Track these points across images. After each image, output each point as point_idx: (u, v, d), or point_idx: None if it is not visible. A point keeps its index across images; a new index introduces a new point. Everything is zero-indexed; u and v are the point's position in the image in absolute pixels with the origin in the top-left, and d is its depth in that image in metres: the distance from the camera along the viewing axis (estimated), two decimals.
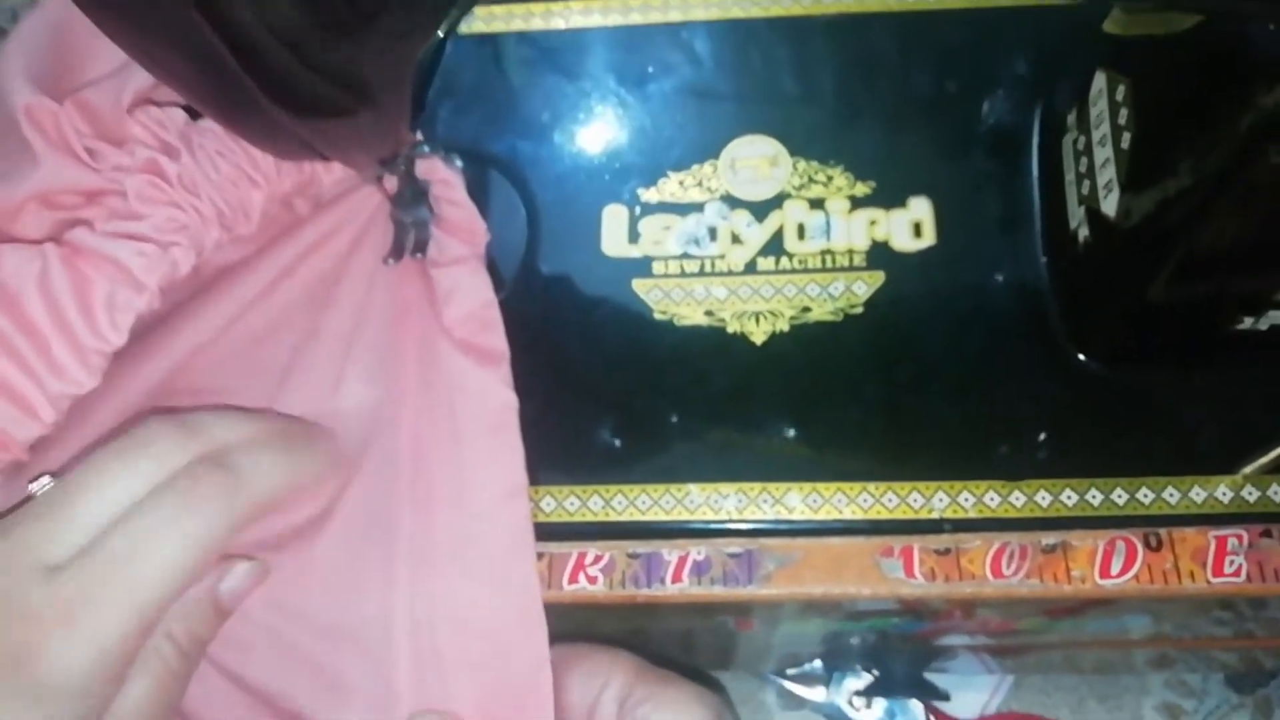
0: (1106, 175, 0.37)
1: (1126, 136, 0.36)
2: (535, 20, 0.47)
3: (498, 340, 0.38)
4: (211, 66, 0.25)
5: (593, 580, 0.38)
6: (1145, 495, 0.37)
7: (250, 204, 0.36)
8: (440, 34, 0.28)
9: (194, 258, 0.35)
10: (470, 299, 0.38)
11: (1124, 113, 0.36)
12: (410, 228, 0.41)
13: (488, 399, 0.37)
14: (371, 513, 0.36)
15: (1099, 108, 0.38)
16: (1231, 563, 0.36)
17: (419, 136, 0.40)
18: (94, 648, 0.28)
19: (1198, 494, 0.37)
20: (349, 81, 0.27)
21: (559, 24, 0.47)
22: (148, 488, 0.30)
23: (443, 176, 0.40)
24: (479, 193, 0.42)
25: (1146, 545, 0.37)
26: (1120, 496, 0.37)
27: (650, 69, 0.46)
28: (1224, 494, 0.37)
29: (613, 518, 0.38)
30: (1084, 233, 0.39)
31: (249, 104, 0.26)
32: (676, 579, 0.38)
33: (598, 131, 0.45)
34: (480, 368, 0.38)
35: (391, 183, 0.40)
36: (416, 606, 0.35)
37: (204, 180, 0.34)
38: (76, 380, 0.33)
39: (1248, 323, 0.36)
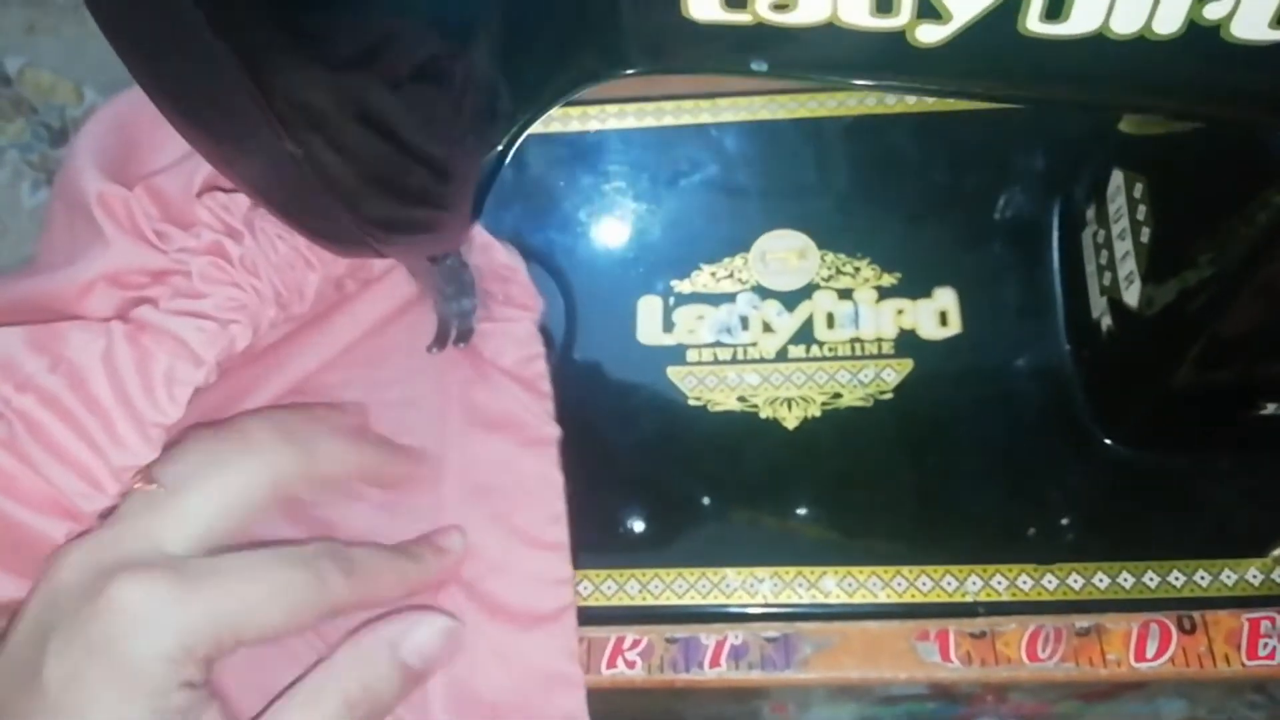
0: (1127, 267, 0.39)
1: (1146, 231, 0.38)
2: (573, 123, 0.49)
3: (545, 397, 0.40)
4: (296, 186, 0.26)
5: (631, 665, 0.38)
6: (1177, 578, 0.38)
7: (306, 284, 0.38)
8: (500, 147, 0.29)
9: (250, 335, 0.36)
10: (521, 348, 0.41)
11: (1142, 209, 0.38)
12: (454, 318, 0.42)
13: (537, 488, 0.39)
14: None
15: (1117, 203, 0.40)
16: (1265, 645, 0.37)
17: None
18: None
19: (1229, 576, 0.38)
20: (424, 200, 0.29)
21: (595, 125, 0.49)
22: (255, 489, 0.33)
23: (504, 262, 0.42)
24: None
25: (1180, 628, 0.37)
26: (1152, 579, 0.38)
27: (682, 167, 0.48)
28: (1255, 576, 0.38)
29: (649, 601, 0.39)
30: (1107, 321, 0.40)
31: (327, 216, 0.28)
32: (715, 663, 0.38)
33: (632, 226, 0.47)
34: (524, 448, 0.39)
35: (437, 276, 0.41)
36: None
37: (264, 262, 0.36)
38: (137, 453, 0.34)
39: (1271, 408, 0.37)
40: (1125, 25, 0.23)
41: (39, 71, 0.91)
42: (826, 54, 0.25)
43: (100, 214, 0.35)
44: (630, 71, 0.26)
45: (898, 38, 0.24)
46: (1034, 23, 0.23)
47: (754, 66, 0.25)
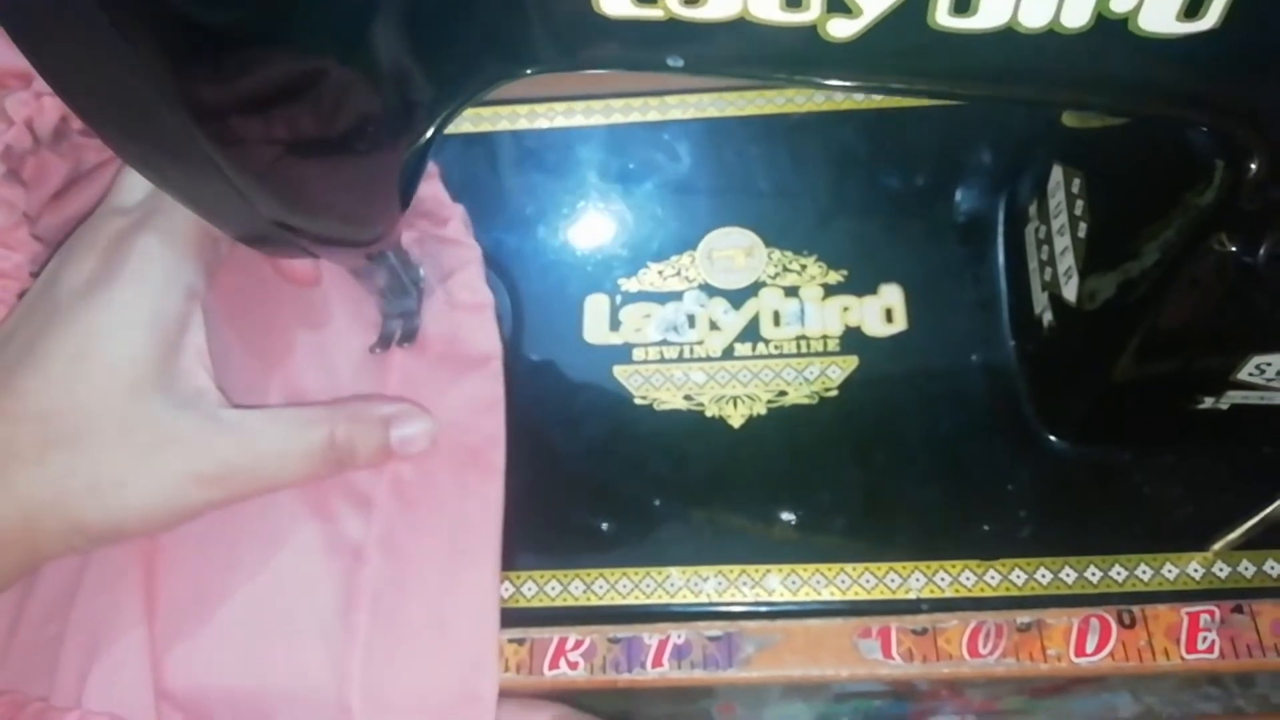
0: (1066, 262, 0.39)
1: (1083, 226, 0.38)
2: (521, 120, 0.49)
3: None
4: (218, 188, 0.26)
5: (574, 665, 0.38)
6: (1118, 573, 0.38)
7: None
8: (428, 135, 0.29)
9: None
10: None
11: (1080, 203, 0.38)
12: (398, 319, 0.42)
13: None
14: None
15: (1057, 199, 0.40)
16: (1204, 639, 0.37)
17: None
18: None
19: (1170, 571, 0.38)
20: (346, 193, 0.29)
21: (543, 124, 0.49)
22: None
23: (474, 302, 0.42)
24: None
25: (1120, 623, 0.38)
26: (1094, 574, 0.38)
27: (631, 166, 0.48)
28: (1195, 570, 0.38)
29: (594, 602, 0.39)
30: (1048, 317, 0.40)
31: (242, 204, 0.28)
32: (657, 663, 0.38)
33: (580, 225, 0.47)
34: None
35: (378, 276, 0.41)
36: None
37: None
38: None
39: (1209, 402, 0.38)
40: (1034, 18, 0.23)
41: None
42: (739, 49, 0.25)
43: None
44: (542, 69, 0.26)
45: (809, 32, 0.24)
46: (944, 16, 0.23)
47: (669, 63, 0.25)
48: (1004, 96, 0.26)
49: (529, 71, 0.26)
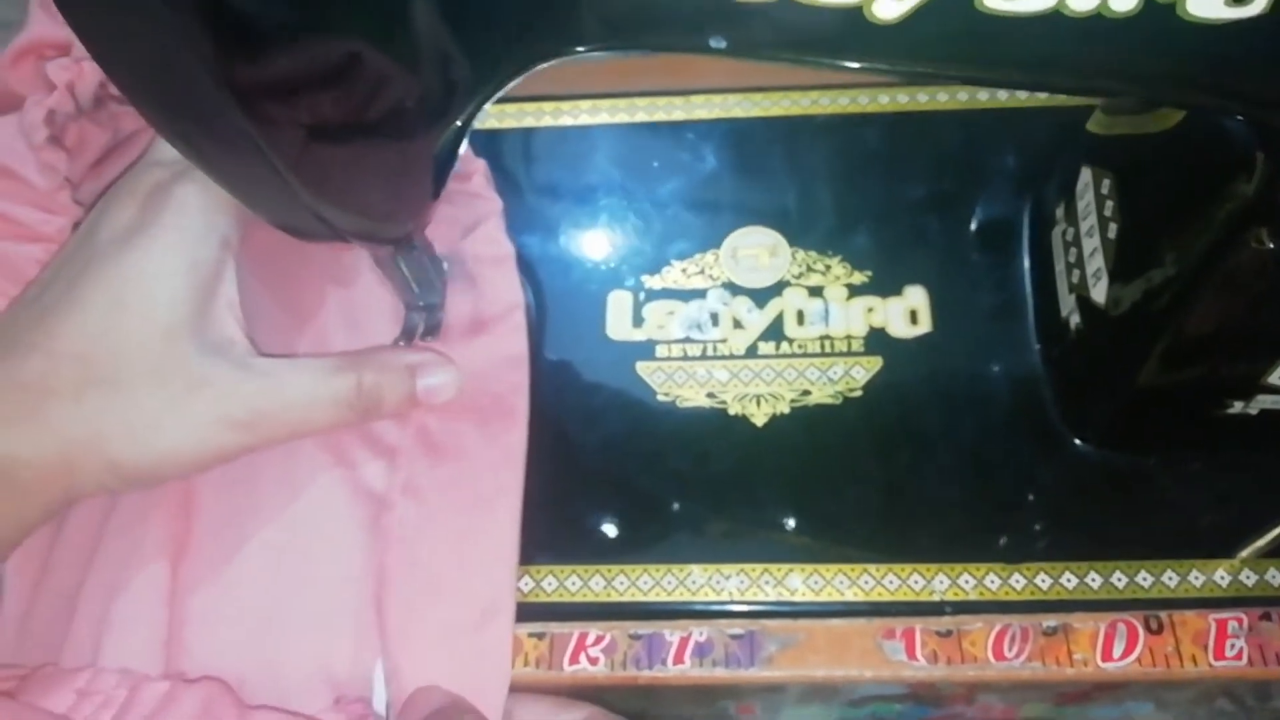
0: (1095, 264, 0.38)
1: (1113, 228, 0.37)
2: (545, 117, 0.49)
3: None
4: (256, 168, 0.26)
5: (594, 661, 0.38)
6: (1144, 579, 0.38)
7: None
8: (459, 124, 0.29)
9: None
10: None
11: (1110, 205, 0.38)
12: (422, 312, 0.42)
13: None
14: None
15: (1086, 200, 0.39)
16: (1232, 646, 0.37)
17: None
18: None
19: (1196, 578, 0.38)
20: (377, 167, 0.29)
21: (568, 121, 0.49)
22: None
23: (496, 254, 0.42)
24: None
25: (1147, 628, 0.37)
26: (1120, 580, 0.38)
27: (655, 164, 0.48)
28: (1222, 578, 0.38)
29: (614, 598, 0.38)
30: (1075, 320, 0.40)
31: (278, 186, 0.28)
32: (679, 660, 0.38)
33: (603, 222, 0.47)
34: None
35: (403, 268, 0.41)
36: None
37: None
38: None
39: (1238, 407, 0.37)
40: (1081, 2, 0.23)
41: None
42: (784, 31, 0.24)
43: None
44: (587, 48, 0.26)
45: (855, 14, 0.24)
46: None
47: (712, 44, 0.25)
48: (1047, 84, 0.26)
49: (574, 50, 0.26)
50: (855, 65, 0.25)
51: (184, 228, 0.33)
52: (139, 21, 0.23)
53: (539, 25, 0.25)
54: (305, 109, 0.26)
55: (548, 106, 0.49)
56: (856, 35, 0.24)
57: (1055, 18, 0.23)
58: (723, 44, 0.25)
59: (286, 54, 0.24)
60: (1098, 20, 0.23)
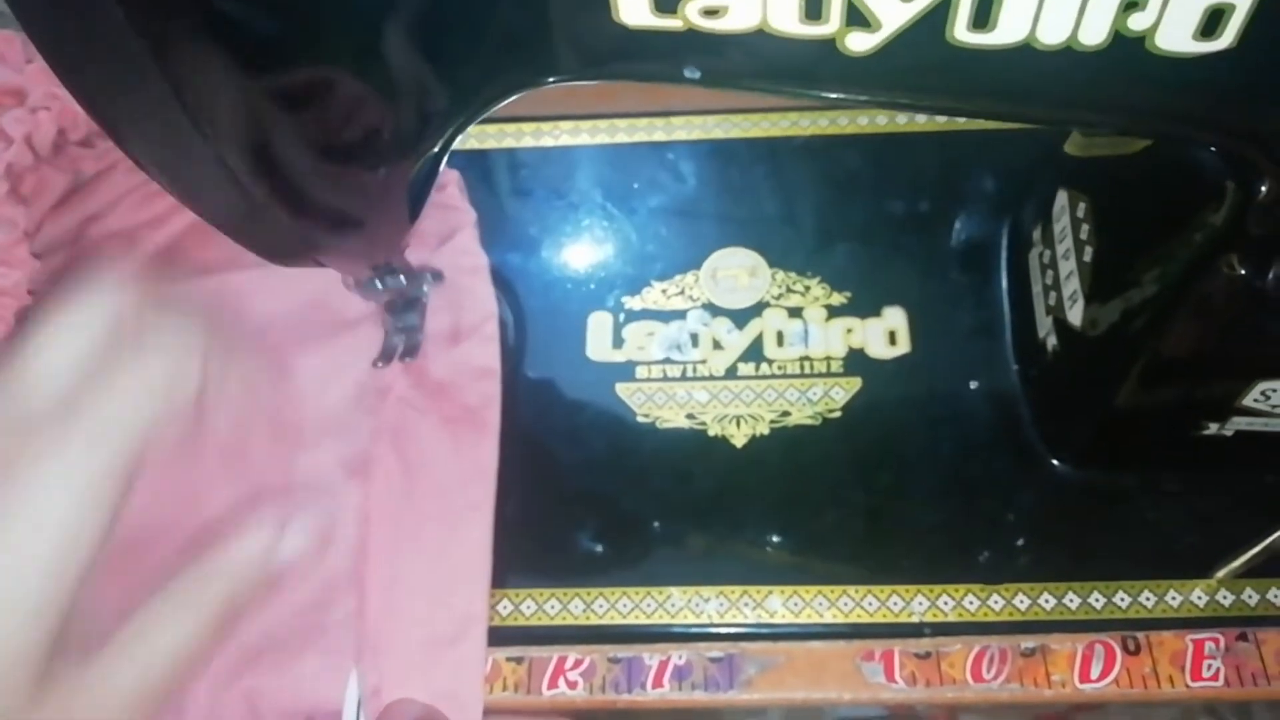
0: (1071, 287, 0.39)
1: (1089, 251, 0.38)
2: (526, 138, 0.49)
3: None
4: (231, 195, 0.26)
5: (573, 685, 0.38)
6: (1122, 599, 0.38)
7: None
8: (436, 150, 0.29)
9: None
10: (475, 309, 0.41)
11: (1085, 228, 0.38)
12: (400, 333, 0.42)
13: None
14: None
15: (1062, 223, 0.40)
16: (1209, 666, 0.37)
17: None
18: (70, 487, 0.26)
19: (1174, 598, 0.38)
20: (354, 193, 0.29)
21: (548, 142, 0.49)
22: (103, 335, 0.27)
23: (471, 264, 0.42)
24: None
25: (1125, 649, 0.37)
26: (1097, 600, 0.38)
27: (635, 185, 0.48)
28: (1199, 598, 0.38)
29: (593, 621, 0.38)
30: (1052, 341, 0.40)
31: (258, 214, 0.28)
32: (658, 684, 0.38)
33: (584, 243, 0.47)
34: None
35: (382, 290, 0.41)
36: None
37: None
38: None
39: (1214, 428, 0.37)
40: (1052, 35, 0.23)
41: None
42: (757, 61, 0.25)
43: None
44: (561, 78, 0.26)
45: (828, 45, 0.24)
46: (962, 32, 0.23)
47: (686, 74, 0.25)
48: (1019, 115, 0.27)
49: (548, 80, 0.26)
50: (829, 95, 0.25)
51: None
52: (105, 41, 0.23)
53: (514, 56, 0.25)
54: (284, 133, 0.26)
55: (528, 127, 0.49)
56: (830, 66, 0.24)
57: (1026, 50, 0.23)
58: (697, 74, 0.25)
59: (267, 77, 0.24)
60: (1068, 53, 0.23)
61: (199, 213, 0.30)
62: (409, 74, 0.25)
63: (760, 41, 0.24)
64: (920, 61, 0.24)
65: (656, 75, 0.26)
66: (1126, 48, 0.23)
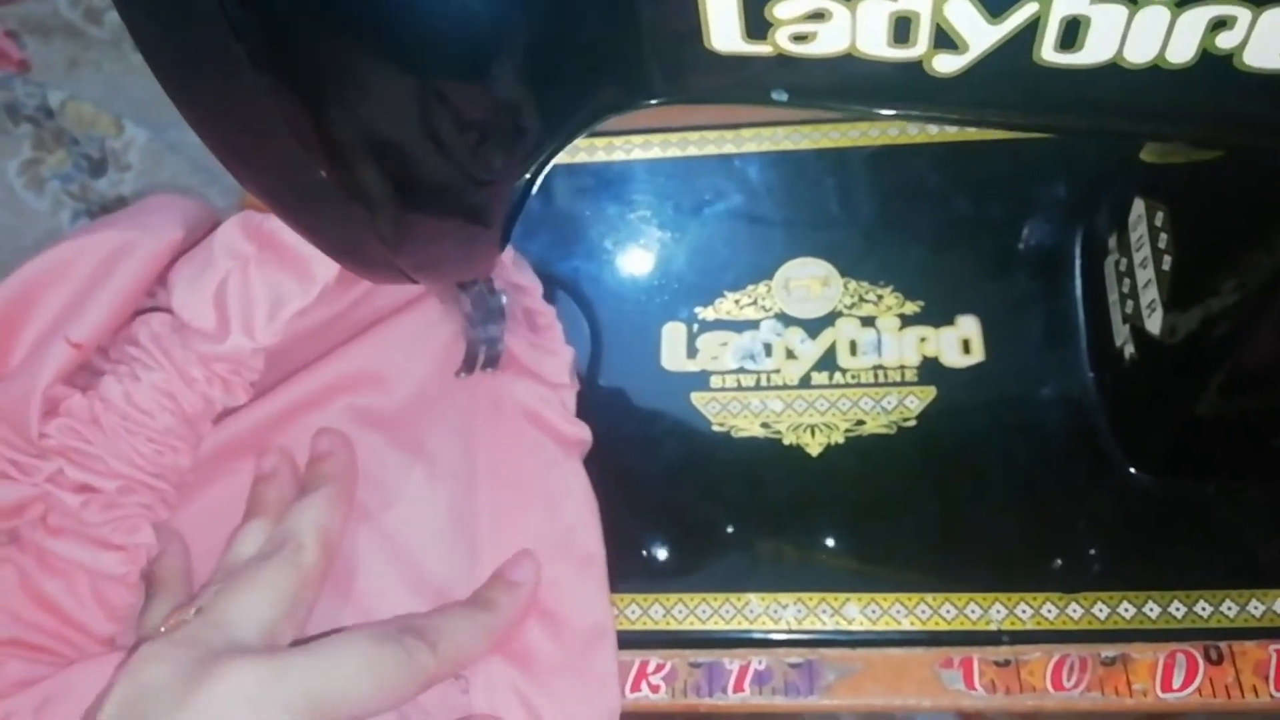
0: (1150, 295, 0.39)
1: (1167, 259, 0.38)
2: (599, 153, 0.50)
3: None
4: (330, 213, 0.27)
5: (655, 689, 0.39)
6: (1203, 608, 0.38)
7: (179, 462, 0.40)
8: (528, 177, 0.30)
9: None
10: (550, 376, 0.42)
11: (1164, 237, 0.38)
12: (482, 344, 0.43)
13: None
14: None
15: (1139, 232, 0.40)
16: None
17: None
18: None
19: (1256, 607, 0.38)
20: (455, 229, 0.30)
21: (620, 156, 0.50)
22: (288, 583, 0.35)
23: (525, 284, 0.43)
24: None
25: (1207, 659, 0.37)
26: (1178, 609, 0.38)
27: (705, 196, 0.49)
28: None
29: (673, 626, 0.39)
30: (1129, 350, 0.40)
31: (359, 243, 0.29)
32: (738, 688, 0.38)
33: (657, 254, 0.47)
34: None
35: (465, 302, 0.42)
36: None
37: (127, 461, 0.38)
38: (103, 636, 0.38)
39: None
40: (1139, 55, 0.23)
41: (81, 104, 0.93)
42: (845, 84, 0.25)
43: None
44: (654, 101, 0.27)
45: (915, 68, 0.24)
46: (1049, 52, 0.24)
47: (774, 96, 0.26)
48: (1103, 129, 0.27)
49: (638, 104, 0.27)
50: (914, 114, 0.26)
51: None
52: (224, 84, 0.24)
53: (607, 81, 0.26)
54: (383, 162, 0.27)
55: (600, 142, 0.50)
56: (917, 87, 0.25)
57: (1112, 69, 0.24)
58: (784, 96, 0.26)
59: (364, 105, 0.26)
60: (1155, 71, 0.23)
61: (314, 241, 0.31)
62: (508, 99, 0.26)
63: (848, 64, 0.25)
64: (1007, 82, 0.24)
65: (744, 98, 0.26)
66: (1213, 65, 0.23)
